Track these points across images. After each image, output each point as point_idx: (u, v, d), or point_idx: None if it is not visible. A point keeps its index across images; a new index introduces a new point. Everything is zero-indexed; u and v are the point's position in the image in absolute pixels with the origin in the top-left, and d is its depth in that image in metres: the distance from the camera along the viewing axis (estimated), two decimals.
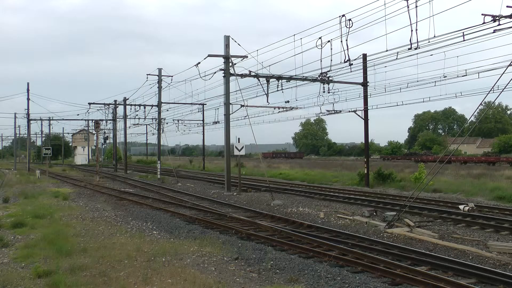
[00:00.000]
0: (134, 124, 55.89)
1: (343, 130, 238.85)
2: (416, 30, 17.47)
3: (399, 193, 25.52)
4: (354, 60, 22.36)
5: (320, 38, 22.09)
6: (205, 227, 15.82)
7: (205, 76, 29.33)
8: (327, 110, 28.95)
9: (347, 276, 9.52)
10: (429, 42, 17.54)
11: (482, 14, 15.38)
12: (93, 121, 54.34)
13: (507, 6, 14.74)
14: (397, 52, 19.67)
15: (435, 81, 23.70)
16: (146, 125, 65.14)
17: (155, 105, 44.32)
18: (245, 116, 39.41)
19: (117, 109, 57.80)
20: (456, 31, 16.86)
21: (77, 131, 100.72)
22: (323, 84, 26.56)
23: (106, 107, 54.47)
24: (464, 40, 16.78)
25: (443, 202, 21.13)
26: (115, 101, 57.30)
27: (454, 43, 17.46)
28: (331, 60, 22.78)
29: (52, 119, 70.27)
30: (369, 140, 34.73)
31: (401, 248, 12.02)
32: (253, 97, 39.19)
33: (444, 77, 23.16)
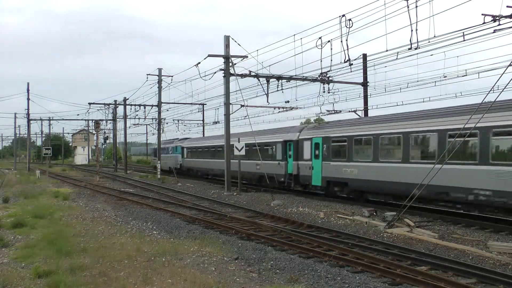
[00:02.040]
0: (134, 124, 55.98)
1: None
2: (416, 30, 17.44)
3: None
4: (354, 60, 22.32)
5: (320, 38, 22.09)
6: (205, 227, 15.82)
7: (205, 76, 29.34)
8: (327, 110, 28.83)
9: (347, 276, 9.52)
10: (429, 42, 17.51)
11: (482, 14, 15.35)
12: (93, 121, 54.38)
13: (507, 6, 14.72)
14: (397, 52, 19.62)
15: (435, 81, 23.61)
16: (146, 125, 65.17)
17: (155, 105, 44.33)
18: (245, 116, 39.39)
19: (117, 109, 57.87)
20: (456, 31, 16.84)
21: (77, 131, 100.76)
22: (323, 84, 26.51)
23: (106, 107, 54.51)
24: (464, 40, 16.75)
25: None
26: (115, 101, 57.36)
27: (454, 43, 17.42)
28: (331, 60, 22.75)
29: (52, 119, 70.38)
30: None
31: (401, 248, 12.03)
32: (253, 97, 39.20)
33: (444, 77, 23.09)
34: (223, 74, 28.18)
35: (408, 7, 17.31)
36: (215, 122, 43.84)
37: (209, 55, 28.12)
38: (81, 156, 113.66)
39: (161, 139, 44.34)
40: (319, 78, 26.28)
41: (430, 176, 14.68)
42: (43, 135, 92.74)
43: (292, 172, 25.75)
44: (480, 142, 14.99)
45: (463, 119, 14.87)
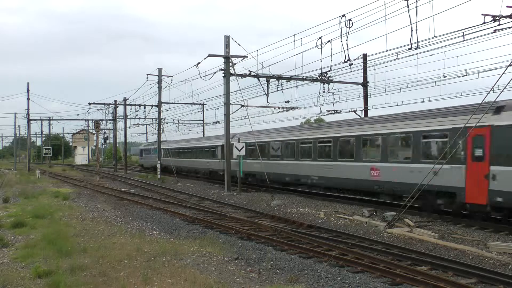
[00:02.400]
0: (134, 124, 55.98)
1: None
2: (416, 30, 17.46)
3: None
4: (354, 60, 22.32)
5: (320, 38, 22.09)
6: (205, 227, 15.82)
7: (205, 76, 29.36)
8: (327, 110, 28.84)
9: (347, 276, 9.52)
10: (429, 42, 17.51)
11: (482, 14, 15.36)
12: (93, 121, 54.37)
13: (507, 6, 14.73)
14: (397, 52, 19.62)
15: (435, 81, 23.58)
16: (146, 125, 65.07)
17: (155, 105, 44.34)
18: (245, 116, 39.27)
19: (117, 109, 57.89)
20: (456, 31, 16.83)
21: (77, 131, 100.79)
22: (323, 84, 26.49)
23: (106, 107, 54.52)
24: (464, 40, 16.75)
25: None
26: (115, 101, 57.37)
27: (454, 43, 17.42)
28: (331, 60, 22.76)
29: (52, 119, 70.42)
30: None
31: (401, 248, 12.03)
32: (253, 97, 39.16)
33: (444, 77, 23.07)
34: (223, 74, 28.18)
35: (408, 7, 17.33)
36: (215, 122, 43.87)
37: (209, 55, 28.13)
38: (81, 156, 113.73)
39: (147, 141, 46.70)
40: (319, 78, 26.27)
41: (293, 169, 25.45)
42: (43, 135, 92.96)
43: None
44: (312, 147, 23.76)
45: (304, 133, 25.39)
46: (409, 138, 17.84)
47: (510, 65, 13.49)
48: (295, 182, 25.89)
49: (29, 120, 62.68)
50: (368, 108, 28.86)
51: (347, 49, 21.06)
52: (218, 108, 50.88)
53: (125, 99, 52.65)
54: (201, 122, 52.35)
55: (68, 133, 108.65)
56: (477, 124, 14.27)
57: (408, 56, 19.91)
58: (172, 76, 40.90)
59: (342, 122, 23.72)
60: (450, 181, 15.57)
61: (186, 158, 45.63)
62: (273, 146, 28.45)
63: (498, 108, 14.48)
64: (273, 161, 27.93)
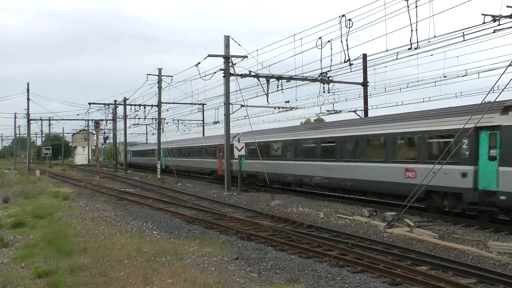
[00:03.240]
0: (134, 124, 56.02)
1: None
2: (416, 30, 17.47)
3: None
4: (354, 60, 22.31)
5: (320, 38, 22.09)
6: (205, 227, 15.82)
7: (205, 76, 29.37)
8: (327, 110, 28.88)
9: (347, 276, 9.52)
10: (429, 42, 17.51)
11: (482, 14, 15.36)
12: (93, 121, 54.40)
13: (507, 6, 14.74)
14: (397, 52, 19.62)
15: (435, 81, 23.59)
16: (146, 125, 65.22)
17: (155, 105, 44.35)
18: (245, 116, 39.27)
19: (117, 109, 57.93)
20: (456, 31, 16.83)
21: (77, 131, 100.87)
22: (323, 84, 26.50)
23: (106, 107, 54.55)
24: (464, 40, 16.75)
25: None
26: (115, 101, 57.40)
27: (454, 43, 17.42)
28: (331, 60, 22.76)
29: (52, 119, 70.53)
30: None
31: (401, 248, 12.03)
32: (253, 97, 39.23)
33: (444, 77, 23.09)
34: (223, 74, 28.18)
35: (408, 7, 17.33)
36: (215, 122, 43.86)
37: (209, 55, 28.13)
38: (81, 156, 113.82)
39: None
40: (319, 78, 26.27)
41: (189, 163, 44.21)
42: (43, 135, 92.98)
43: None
44: (191, 151, 44.16)
45: (187, 143, 47.33)
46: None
47: (510, 65, 13.50)
48: (187, 170, 45.10)
49: (29, 120, 62.68)
50: (368, 108, 28.87)
51: (347, 49, 21.09)
52: (218, 108, 50.95)
53: (125, 99, 52.68)
54: (201, 122, 52.39)
55: (68, 133, 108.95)
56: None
57: (408, 56, 19.92)
58: (172, 76, 40.98)
59: (204, 137, 44.75)
60: (214, 166, 36.00)
61: (143, 157, 63.74)
62: (183, 150, 46.78)
63: (234, 136, 31.67)
64: (180, 158, 46.53)
